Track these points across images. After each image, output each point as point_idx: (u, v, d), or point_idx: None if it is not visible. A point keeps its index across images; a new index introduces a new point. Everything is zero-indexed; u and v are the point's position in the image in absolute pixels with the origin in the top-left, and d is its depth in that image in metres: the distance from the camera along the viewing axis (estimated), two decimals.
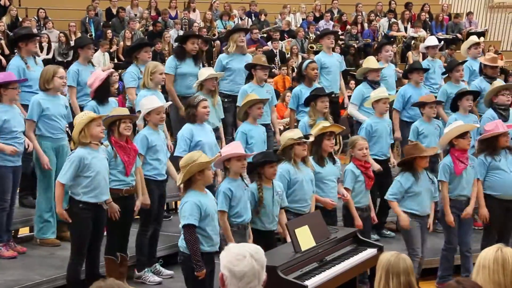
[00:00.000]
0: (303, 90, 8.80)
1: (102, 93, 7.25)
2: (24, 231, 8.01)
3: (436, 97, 8.88)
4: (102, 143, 6.15)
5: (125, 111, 6.66)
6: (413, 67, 9.33)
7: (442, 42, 11.63)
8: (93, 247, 6.17)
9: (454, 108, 8.54)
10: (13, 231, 7.43)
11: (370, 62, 9.17)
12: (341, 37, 17.60)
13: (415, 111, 8.77)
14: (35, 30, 15.29)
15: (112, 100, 7.60)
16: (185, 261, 5.63)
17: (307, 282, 5.34)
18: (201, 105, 7.06)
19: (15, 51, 14.26)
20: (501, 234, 7.29)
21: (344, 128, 8.09)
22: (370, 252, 6.25)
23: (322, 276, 5.55)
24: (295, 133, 6.80)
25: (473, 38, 10.29)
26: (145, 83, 7.68)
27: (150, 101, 6.85)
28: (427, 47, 10.17)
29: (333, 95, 8.95)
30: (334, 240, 6.11)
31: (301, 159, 6.76)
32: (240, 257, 3.06)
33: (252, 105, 7.53)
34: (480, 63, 9.59)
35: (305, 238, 5.76)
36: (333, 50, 10.35)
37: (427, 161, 7.01)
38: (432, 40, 10.40)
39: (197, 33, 9.62)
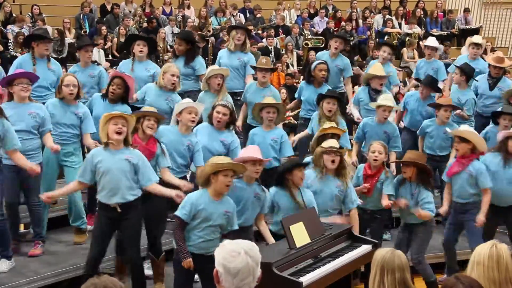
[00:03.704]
0: (304, 86, 8.84)
1: (106, 91, 7.52)
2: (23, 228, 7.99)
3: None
4: (130, 145, 6.01)
5: (152, 109, 6.61)
6: (421, 81, 8.97)
7: (442, 48, 11.25)
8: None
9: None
10: None
11: (375, 69, 8.78)
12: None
13: (414, 119, 8.76)
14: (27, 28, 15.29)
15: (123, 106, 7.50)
16: (175, 253, 5.72)
17: (302, 279, 5.32)
18: (215, 109, 7.01)
19: (9, 47, 14.41)
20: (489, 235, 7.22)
21: (346, 130, 8.02)
22: (365, 248, 6.23)
23: (317, 272, 5.53)
24: (330, 143, 6.66)
25: (475, 39, 9.77)
26: (159, 81, 7.79)
27: (184, 100, 6.85)
28: (424, 46, 9.93)
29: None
30: (329, 236, 6.09)
31: (332, 172, 6.63)
32: (235, 254, 3.05)
33: (261, 109, 7.54)
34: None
35: (300, 234, 5.74)
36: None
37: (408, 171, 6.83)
38: (430, 41, 9.97)
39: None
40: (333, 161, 6.57)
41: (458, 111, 8.54)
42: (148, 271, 6.83)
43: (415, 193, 6.77)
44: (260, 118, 7.60)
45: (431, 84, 8.73)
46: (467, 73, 8.84)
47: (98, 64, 8.26)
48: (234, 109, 7.30)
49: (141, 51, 8.41)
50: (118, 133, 5.84)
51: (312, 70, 8.72)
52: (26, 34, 13.10)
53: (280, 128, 7.89)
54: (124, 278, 6.43)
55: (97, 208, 6.13)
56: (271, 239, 6.17)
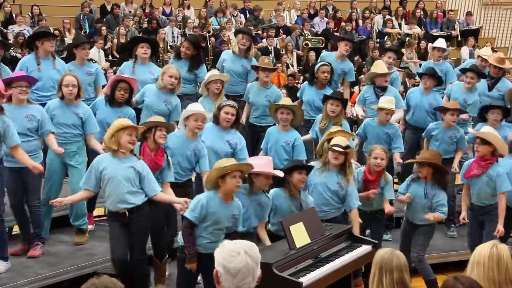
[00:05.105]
0: (306, 87, 8.81)
1: (110, 96, 7.39)
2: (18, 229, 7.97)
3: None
4: (135, 154, 6.02)
5: (161, 119, 6.56)
6: (423, 73, 8.95)
7: (449, 48, 11.09)
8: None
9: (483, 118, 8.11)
10: (7, 228, 7.39)
11: (378, 67, 8.82)
12: (335, 34, 17.58)
13: (417, 115, 8.75)
14: (29, 28, 15.29)
15: (129, 109, 7.47)
16: (179, 251, 5.76)
17: (302, 279, 5.33)
18: (223, 110, 6.95)
19: (11, 49, 14.41)
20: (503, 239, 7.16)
21: (353, 133, 7.91)
22: (364, 248, 6.24)
23: (317, 272, 5.54)
24: (338, 140, 6.65)
25: (436, 43, 9.75)
26: (158, 82, 7.67)
27: (192, 106, 6.77)
28: (433, 48, 9.75)
29: None
30: (329, 236, 6.10)
31: (335, 167, 6.67)
32: (234, 254, 3.05)
33: (276, 110, 7.50)
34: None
35: (300, 235, 5.75)
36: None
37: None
38: (440, 43, 9.78)
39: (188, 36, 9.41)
40: (336, 158, 6.60)
41: (464, 115, 8.46)
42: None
43: (431, 194, 6.77)
44: (276, 118, 7.59)
45: (433, 75, 8.76)
46: (482, 74, 8.85)
47: (94, 62, 8.14)
48: (239, 108, 7.32)
49: (145, 52, 8.29)
50: (132, 143, 5.90)
51: (315, 72, 8.65)
52: (26, 35, 13.12)
53: (295, 131, 7.70)
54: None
55: (108, 217, 6.21)
56: (268, 244, 6.17)
